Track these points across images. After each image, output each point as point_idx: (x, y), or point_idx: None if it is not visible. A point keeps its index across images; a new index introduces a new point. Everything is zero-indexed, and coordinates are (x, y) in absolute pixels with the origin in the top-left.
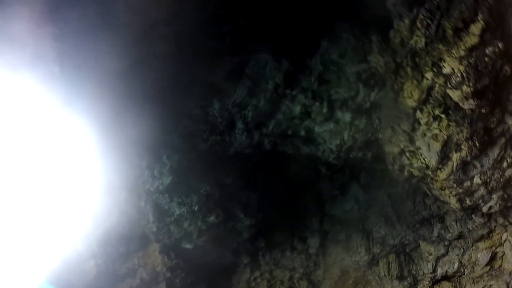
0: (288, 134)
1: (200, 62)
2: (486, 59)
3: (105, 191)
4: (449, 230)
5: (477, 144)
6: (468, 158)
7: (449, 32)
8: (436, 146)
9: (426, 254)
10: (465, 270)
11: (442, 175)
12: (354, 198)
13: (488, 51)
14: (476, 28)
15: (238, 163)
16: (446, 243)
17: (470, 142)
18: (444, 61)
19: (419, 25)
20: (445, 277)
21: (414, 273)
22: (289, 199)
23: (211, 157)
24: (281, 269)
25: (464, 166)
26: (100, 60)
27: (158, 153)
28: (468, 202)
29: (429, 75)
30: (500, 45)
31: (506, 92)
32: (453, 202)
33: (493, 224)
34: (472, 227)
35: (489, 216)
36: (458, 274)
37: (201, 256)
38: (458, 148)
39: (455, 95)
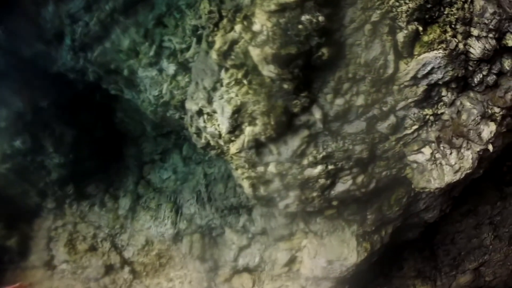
0: (111, 68)
1: None
2: (300, 26)
3: None
4: (253, 223)
5: (273, 124)
6: (263, 138)
7: None
8: (228, 111)
9: (230, 242)
10: (266, 266)
11: (233, 148)
12: (173, 168)
13: (304, 18)
14: None
15: (59, 87)
16: (250, 235)
17: (266, 118)
18: (256, 16)
19: None
20: (246, 269)
21: (216, 258)
22: (110, 149)
23: (32, 68)
24: (86, 224)
25: (259, 146)
26: None
27: None
28: (262, 191)
29: (238, 27)
30: (320, 18)
31: (320, 81)
32: (246, 187)
33: (294, 228)
34: (275, 225)
35: (291, 218)
36: (259, 269)
37: (3, 188)
38: (252, 122)
39: (255, 53)
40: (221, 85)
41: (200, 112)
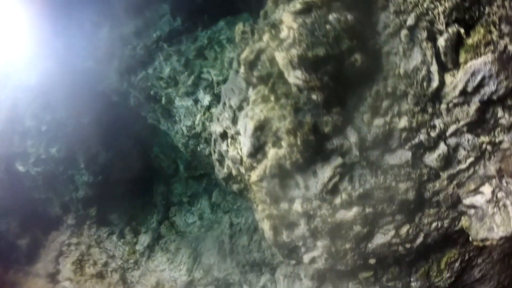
0: (151, 95)
1: None
2: (328, 26)
3: None
4: (275, 285)
5: (300, 144)
6: (288, 164)
7: None
8: (251, 127)
9: None
10: None
11: (254, 175)
12: (200, 213)
13: (331, 17)
14: None
15: (102, 107)
16: None
17: (292, 137)
18: (282, 21)
19: None
20: None
21: None
22: (141, 182)
23: (80, 83)
24: (100, 250)
25: (283, 174)
26: None
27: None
28: (285, 237)
29: (265, 37)
30: (349, 17)
31: (355, 97)
32: (267, 229)
33: None
34: None
35: (319, 281)
36: None
37: (29, 189)
38: (277, 142)
39: (280, 57)
40: (247, 104)
41: (224, 135)
